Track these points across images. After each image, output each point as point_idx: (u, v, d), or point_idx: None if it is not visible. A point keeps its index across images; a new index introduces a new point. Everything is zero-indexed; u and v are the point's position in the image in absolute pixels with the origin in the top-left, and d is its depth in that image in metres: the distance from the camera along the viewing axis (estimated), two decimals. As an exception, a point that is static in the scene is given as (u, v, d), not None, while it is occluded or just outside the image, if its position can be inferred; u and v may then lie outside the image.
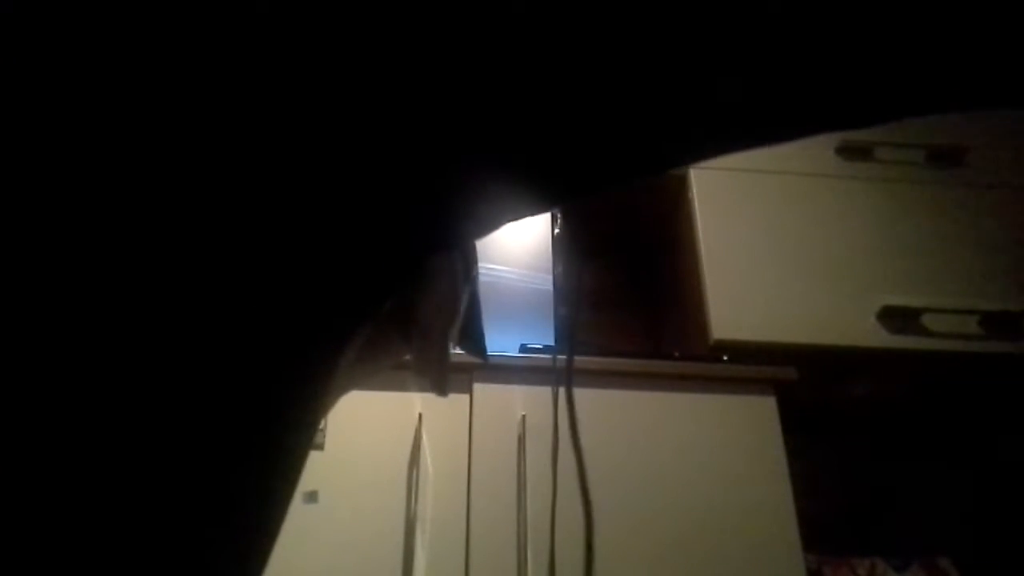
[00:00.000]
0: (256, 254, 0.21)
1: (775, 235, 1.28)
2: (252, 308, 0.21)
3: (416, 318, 0.29)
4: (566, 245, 1.20)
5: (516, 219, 0.25)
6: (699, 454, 1.02)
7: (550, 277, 1.22)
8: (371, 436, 0.98)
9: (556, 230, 1.27)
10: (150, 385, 0.19)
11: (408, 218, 0.22)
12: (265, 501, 0.23)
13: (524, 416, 1.00)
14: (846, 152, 1.38)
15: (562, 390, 0.97)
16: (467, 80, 0.21)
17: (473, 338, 0.34)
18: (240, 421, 0.21)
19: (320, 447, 0.96)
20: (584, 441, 1.01)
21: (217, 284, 0.20)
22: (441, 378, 0.31)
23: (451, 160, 0.22)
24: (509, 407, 1.01)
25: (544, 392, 1.02)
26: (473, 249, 0.31)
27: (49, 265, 0.18)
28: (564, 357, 0.99)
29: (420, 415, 0.99)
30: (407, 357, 0.32)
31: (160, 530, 0.19)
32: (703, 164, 1.34)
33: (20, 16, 0.19)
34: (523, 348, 1.09)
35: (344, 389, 0.28)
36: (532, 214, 0.27)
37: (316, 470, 0.94)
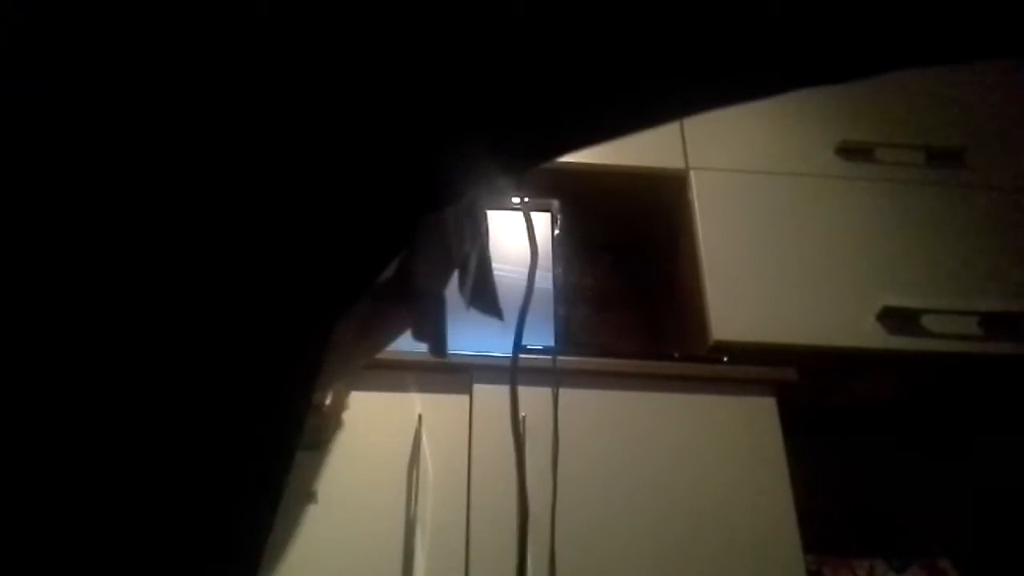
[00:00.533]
0: (247, 235, 0.21)
1: (775, 236, 1.28)
2: (245, 285, 0.21)
3: (413, 282, 0.29)
4: (565, 245, 1.20)
5: (497, 177, 0.26)
6: (699, 455, 1.02)
7: (550, 277, 1.22)
8: (371, 436, 0.98)
9: (556, 231, 1.27)
10: (152, 357, 0.19)
11: (390, 191, 0.23)
12: (264, 473, 0.23)
13: (524, 416, 1.00)
14: (846, 152, 1.38)
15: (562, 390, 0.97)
16: (444, 60, 0.21)
17: (486, 298, 0.35)
18: (235, 394, 0.21)
19: (320, 448, 0.96)
20: (584, 442, 1.01)
21: (210, 267, 0.20)
22: (440, 338, 0.31)
23: (428, 135, 0.22)
24: (509, 408, 1.01)
25: (544, 392, 1.02)
26: (477, 211, 0.31)
27: (49, 260, 0.18)
28: (565, 358, 0.99)
29: (420, 415, 0.99)
30: (407, 331, 0.32)
31: (176, 493, 0.19)
32: (703, 164, 1.34)
33: (22, 17, 0.19)
34: (523, 348, 1.09)
35: (350, 364, 0.28)
36: (513, 173, 0.27)
37: (316, 470, 0.94)
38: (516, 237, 1.23)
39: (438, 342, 0.31)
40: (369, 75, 0.20)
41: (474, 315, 1.17)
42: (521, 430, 0.99)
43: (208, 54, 0.19)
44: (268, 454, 0.23)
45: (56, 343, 0.18)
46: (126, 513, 0.19)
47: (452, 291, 0.32)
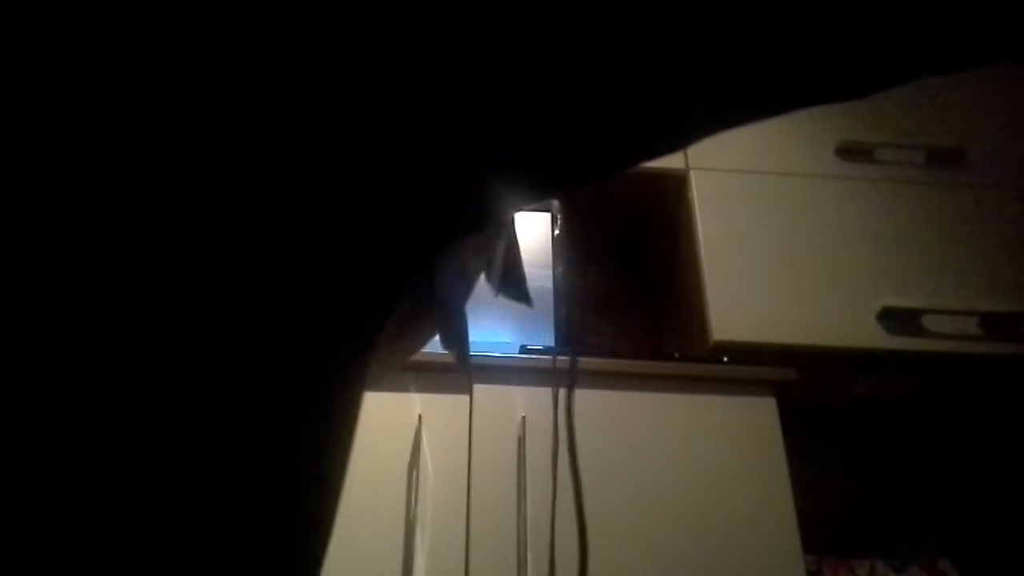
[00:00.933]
0: (284, 254, 0.21)
1: (775, 236, 1.28)
2: (288, 305, 0.21)
3: (436, 292, 0.29)
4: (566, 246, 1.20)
5: (527, 203, 0.26)
6: (699, 455, 1.02)
7: (550, 277, 1.22)
8: (371, 437, 0.98)
9: (556, 231, 1.27)
10: (199, 380, 0.19)
11: (422, 212, 0.23)
12: (322, 476, 0.23)
13: (524, 417, 1.00)
14: (846, 153, 1.38)
15: (562, 391, 0.97)
16: (474, 75, 0.21)
17: (514, 284, 0.35)
18: (289, 410, 0.21)
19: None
20: (584, 442, 1.01)
21: (256, 285, 0.20)
22: (461, 349, 0.32)
23: (461, 154, 0.22)
24: (509, 408, 1.01)
25: (544, 393, 1.02)
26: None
27: (75, 268, 0.18)
28: (565, 358, 0.99)
29: (420, 416, 0.99)
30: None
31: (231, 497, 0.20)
32: (703, 164, 1.34)
33: (23, 18, 0.19)
34: (523, 348, 1.09)
35: (386, 365, 0.29)
36: (541, 199, 0.28)
37: (316, 471, 0.94)
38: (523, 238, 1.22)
39: (460, 353, 0.31)
40: (392, 85, 0.20)
41: (475, 316, 1.17)
42: (521, 430, 0.99)
43: (217, 58, 0.19)
44: (321, 455, 0.23)
45: (72, 348, 0.18)
46: (151, 515, 0.19)
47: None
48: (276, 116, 0.20)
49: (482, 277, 0.32)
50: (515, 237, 0.34)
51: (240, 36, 0.19)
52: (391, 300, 0.24)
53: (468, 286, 0.31)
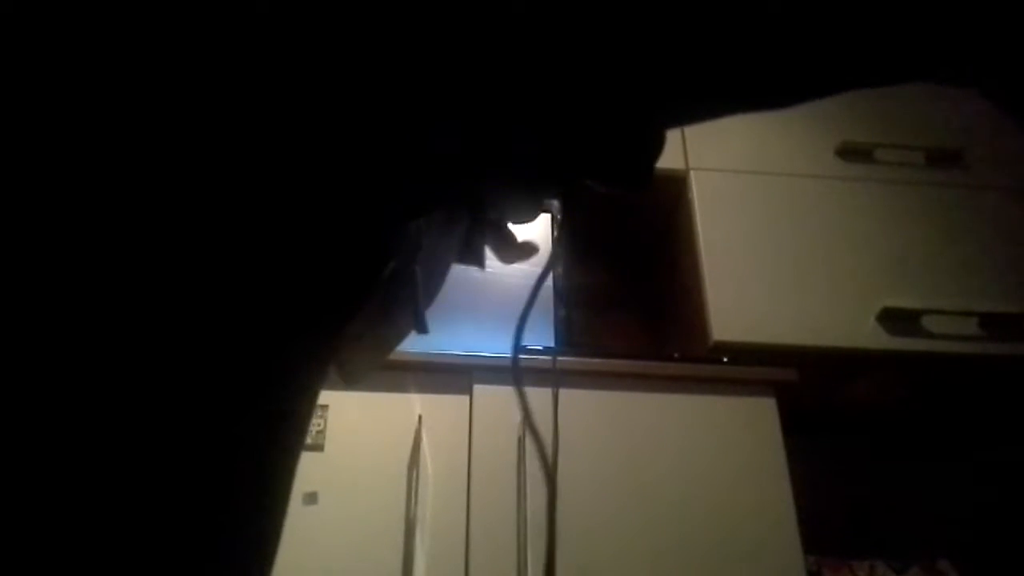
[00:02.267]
0: (255, 257, 0.21)
1: (775, 236, 1.28)
2: (247, 305, 0.21)
3: (411, 286, 0.29)
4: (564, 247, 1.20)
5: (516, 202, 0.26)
6: (699, 455, 1.02)
7: (550, 277, 1.22)
8: (371, 437, 0.98)
9: (556, 231, 1.27)
10: (160, 373, 0.19)
11: (385, 222, 0.23)
12: (272, 468, 0.24)
13: (524, 417, 1.00)
14: (846, 153, 1.38)
15: (562, 391, 0.97)
16: (463, 79, 0.21)
17: (473, 250, 0.35)
18: (231, 394, 0.21)
19: (320, 448, 0.96)
20: (584, 442, 1.01)
21: (227, 285, 0.20)
22: (419, 316, 0.32)
23: (431, 166, 0.22)
24: (509, 408, 1.01)
25: (544, 393, 1.02)
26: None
27: (58, 264, 0.18)
28: (566, 358, 0.99)
29: (420, 416, 0.99)
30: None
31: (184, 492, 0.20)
32: (703, 165, 1.34)
33: (22, 16, 0.19)
34: (523, 349, 1.09)
35: (367, 361, 0.29)
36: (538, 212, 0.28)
37: (316, 471, 0.94)
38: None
39: (418, 320, 0.31)
40: (380, 87, 0.20)
41: (474, 315, 1.16)
42: (521, 431, 0.99)
43: (209, 56, 0.19)
44: (266, 454, 0.23)
45: (55, 343, 0.18)
46: (121, 513, 0.19)
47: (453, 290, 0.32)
48: (254, 114, 0.20)
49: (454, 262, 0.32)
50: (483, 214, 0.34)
51: (233, 38, 0.19)
52: (353, 301, 0.24)
53: (441, 272, 0.31)
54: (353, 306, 0.25)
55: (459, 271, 0.34)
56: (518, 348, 0.33)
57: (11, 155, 0.18)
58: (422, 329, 0.31)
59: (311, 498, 0.92)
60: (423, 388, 1.01)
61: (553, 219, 1.28)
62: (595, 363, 1.06)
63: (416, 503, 0.94)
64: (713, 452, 1.02)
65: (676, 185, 1.35)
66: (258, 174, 0.20)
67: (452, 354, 1.03)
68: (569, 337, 1.23)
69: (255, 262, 0.21)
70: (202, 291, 0.20)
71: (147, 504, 0.19)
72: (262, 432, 0.23)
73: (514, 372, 0.32)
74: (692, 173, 1.34)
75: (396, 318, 0.30)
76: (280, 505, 0.25)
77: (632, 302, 1.59)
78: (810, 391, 1.17)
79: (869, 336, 1.20)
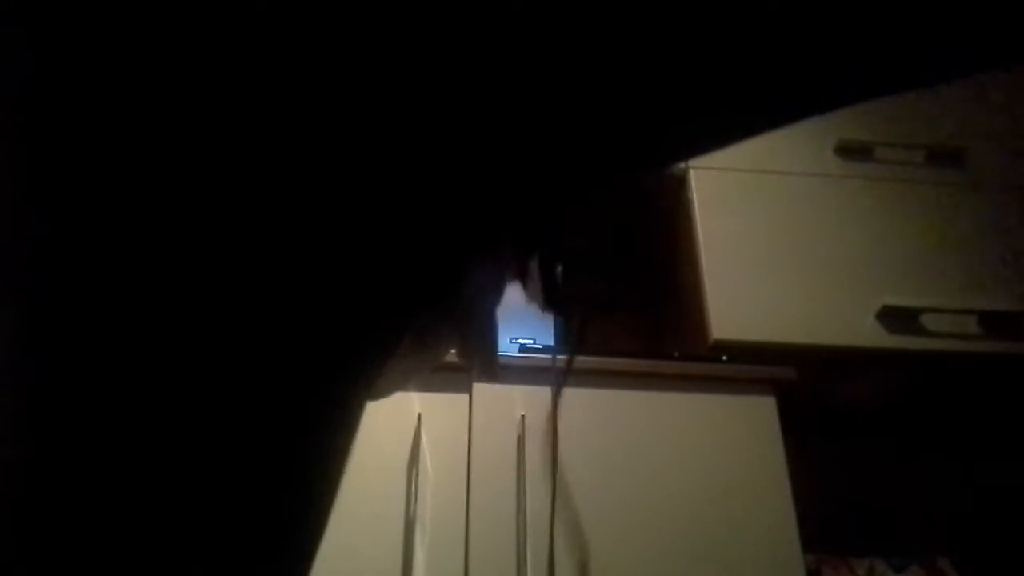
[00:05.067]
0: (312, 263, 0.21)
1: (775, 235, 1.28)
2: (300, 320, 0.21)
3: (460, 304, 0.29)
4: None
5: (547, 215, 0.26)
6: (698, 454, 1.02)
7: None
8: (370, 436, 0.98)
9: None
10: (211, 382, 0.19)
11: (447, 226, 0.23)
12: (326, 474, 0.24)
13: (523, 416, 1.00)
14: (845, 152, 1.38)
15: (565, 390, 0.97)
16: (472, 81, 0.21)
17: (556, 299, 0.34)
18: (295, 412, 0.21)
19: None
20: (583, 441, 1.01)
21: (269, 297, 0.20)
22: (489, 362, 0.31)
23: (487, 174, 0.22)
24: (509, 407, 1.01)
25: (544, 392, 1.02)
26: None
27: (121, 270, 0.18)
28: (563, 357, 0.99)
29: (419, 415, 0.99)
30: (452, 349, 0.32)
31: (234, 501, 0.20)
32: (703, 164, 1.34)
33: (26, 18, 0.18)
34: (523, 348, 1.09)
35: (409, 375, 0.29)
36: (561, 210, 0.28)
37: (315, 470, 0.94)
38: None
39: (488, 368, 0.31)
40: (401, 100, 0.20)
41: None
42: (521, 429, 0.99)
43: (210, 56, 0.19)
44: (321, 461, 0.23)
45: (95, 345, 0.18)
46: (185, 510, 0.19)
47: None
48: (284, 120, 0.20)
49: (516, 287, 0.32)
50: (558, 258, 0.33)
51: (242, 37, 0.19)
52: (407, 318, 0.24)
53: (497, 296, 0.31)
54: (408, 321, 0.24)
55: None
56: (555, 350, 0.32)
57: (21, 159, 0.18)
58: (492, 377, 0.31)
59: (311, 497, 0.92)
60: (423, 386, 1.01)
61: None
62: (595, 361, 1.06)
63: (415, 503, 0.94)
64: (713, 450, 1.03)
65: (676, 184, 1.35)
66: (289, 185, 0.20)
67: (452, 353, 1.03)
68: (569, 335, 1.23)
69: (314, 275, 0.21)
70: (259, 299, 0.20)
71: (208, 503, 0.19)
72: (325, 431, 0.23)
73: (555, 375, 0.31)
74: (692, 172, 1.33)
75: (441, 335, 0.30)
76: (329, 506, 0.25)
77: (631, 301, 1.59)
78: (810, 389, 1.17)
79: (868, 334, 1.20)
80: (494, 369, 0.31)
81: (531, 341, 1.13)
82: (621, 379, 1.06)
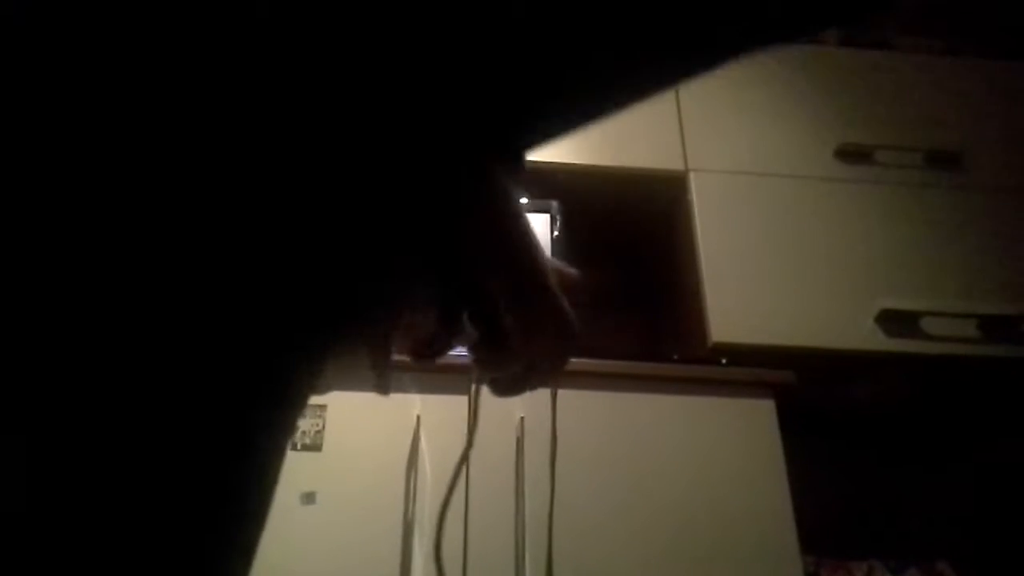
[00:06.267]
0: (245, 273, 0.21)
1: (774, 238, 1.28)
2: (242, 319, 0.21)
3: (359, 323, 0.30)
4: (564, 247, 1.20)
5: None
6: (697, 457, 1.02)
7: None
8: (369, 438, 0.98)
9: (555, 232, 1.27)
10: (147, 382, 0.19)
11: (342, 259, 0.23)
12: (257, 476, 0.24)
13: (523, 418, 1.00)
14: (845, 154, 1.38)
15: (560, 392, 0.97)
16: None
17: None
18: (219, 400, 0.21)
19: (318, 448, 0.96)
20: (582, 443, 1.01)
21: (217, 295, 0.20)
22: (382, 377, 0.32)
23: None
24: (507, 409, 1.01)
25: (543, 394, 1.02)
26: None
27: (53, 267, 0.18)
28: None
29: (418, 416, 0.99)
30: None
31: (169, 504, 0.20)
32: (703, 167, 1.34)
33: (24, 18, 0.19)
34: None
35: (333, 380, 0.29)
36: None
37: (314, 471, 0.94)
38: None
39: (378, 379, 0.32)
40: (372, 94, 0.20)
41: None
42: (520, 431, 0.99)
43: (209, 56, 0.19)
44: (256, 454, 0.23)
45: (52, 341, 0.18)
46: (128, 512, 0.19)
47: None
48: (261, 120, 0.20)
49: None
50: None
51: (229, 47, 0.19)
52: (355, 318, 0.25)
53: (390, 318, 0.31)
54: (354, 322, 0.25)
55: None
56: None
57: (15, 155, 0.18)
58: (383, 391, 0.32)
59: (309, 498, 0.92)
60: (421, 388, 1.01)
61: (552, 220, 1.28)
62: (594, 364, 1.06)
63: (414, 504, 0.94)
64: (712, 453, 1.02)
65: (675, 186, 1.35)
66: (257, 178, 0.20)
67: (451, 354, 1.03)
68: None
69: (264, 263, 0.21)
70: (212, 292, 0.20)
71: (154, 503, 0.19)
72: (264, 431, 0.23)
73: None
74: (691, 174, 1.34)
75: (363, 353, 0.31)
76: (268, 507, 0.25)
77: (630, 304, 1.59)
78: (809, 393, 1.17)
79: (868, 338, 1.20)
80: (386, 384, 0.32)
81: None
82: (620, 381, 1.06)
